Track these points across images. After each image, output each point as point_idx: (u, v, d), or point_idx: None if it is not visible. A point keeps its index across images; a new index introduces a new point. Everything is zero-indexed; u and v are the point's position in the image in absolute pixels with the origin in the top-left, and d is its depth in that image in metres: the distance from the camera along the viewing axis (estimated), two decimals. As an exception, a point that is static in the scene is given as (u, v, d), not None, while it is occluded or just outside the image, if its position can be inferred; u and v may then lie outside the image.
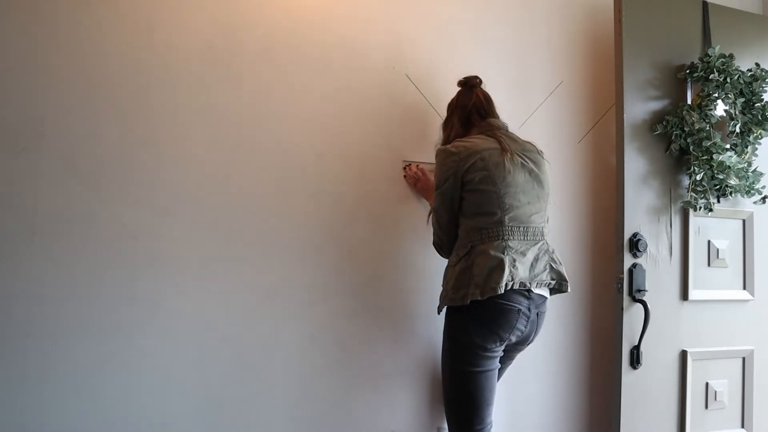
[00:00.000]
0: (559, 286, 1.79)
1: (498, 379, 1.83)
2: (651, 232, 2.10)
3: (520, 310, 1.70)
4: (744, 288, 2.29)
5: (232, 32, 1.91)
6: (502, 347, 1.75)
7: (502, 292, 1.64)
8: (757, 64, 2.16)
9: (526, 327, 1.73)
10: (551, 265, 1.77)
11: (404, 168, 2.08)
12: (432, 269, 2.05)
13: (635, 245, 2.06)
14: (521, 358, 2.27)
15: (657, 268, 2.11)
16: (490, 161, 1.72)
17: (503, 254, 1.67)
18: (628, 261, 2.05)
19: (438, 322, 1.89)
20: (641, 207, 2.09)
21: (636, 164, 2.09)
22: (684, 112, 2.08)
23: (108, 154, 1.77)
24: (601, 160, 2.40)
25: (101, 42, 1.78)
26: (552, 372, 2.30)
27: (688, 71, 2.15)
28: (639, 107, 2.11)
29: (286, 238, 1.95)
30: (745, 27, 2.33)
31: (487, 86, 2.21)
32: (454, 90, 1.96)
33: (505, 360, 1.86)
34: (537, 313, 1.76)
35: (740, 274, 2.28)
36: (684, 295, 2.15)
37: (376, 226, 2.06)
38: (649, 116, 2.12)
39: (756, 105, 2.12)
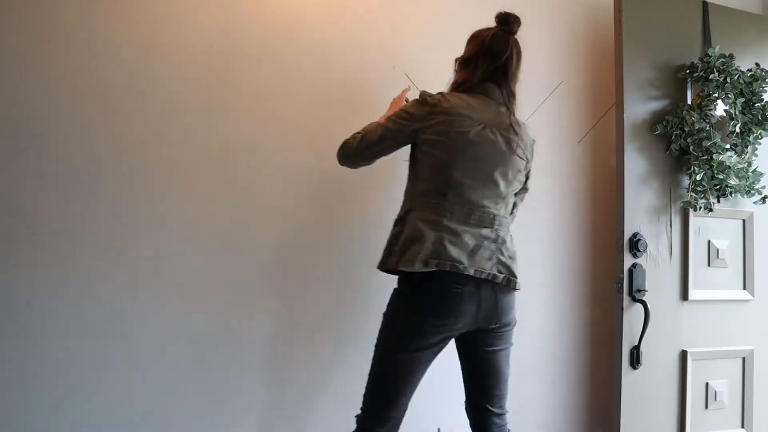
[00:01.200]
0: (506, 282, 1.60)
1: (503, 368, 1.69)
2: (651, 232, 2.10)
3: (464, 291, 1.53)
4: (744, 288, 2.28)
5: (232, 32, 1.91)
6: (443, 335, 1.56)
7: (417, 269, 1.49)
8: (757, 64, 2.16)
9: (479, 308, 1.56)
10: (498, 257, 1.59)
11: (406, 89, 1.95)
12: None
13: (635, 245, 2.06)
14: (520, 358, 2.27)
15: (657, 268, 2.10)
16: (455, 128, 1.56)
17: (430, 229, 1.53)
18: (628, 261, 2.05)
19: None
20: (641, 207, 2.09)
21: (636, 164, 2.09)
22: (684, 112, 2.08)
23: (108, 154, 1.77)
24: (601, 160, 2.40)
25: (102, 42, 1.78)
26: (552, 372, 2.30)
27: (688, 71, 2.15)
28: (639, 107, 2.11)
29: (287, 238, 1.95)
30: (745, 27, 2.33)
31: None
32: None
33: (491, 342, 1.65)
34: (493, 287, 1.58)
35: (740, 274, 2.28)
36: (684, 295, 2.15)
37: (377, 225, 2.05)
38: (649, 116, 2.12)
39: (756, 105, 2.12)
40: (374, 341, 1.65)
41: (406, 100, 1.86)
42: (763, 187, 2.15)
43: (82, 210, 1.75)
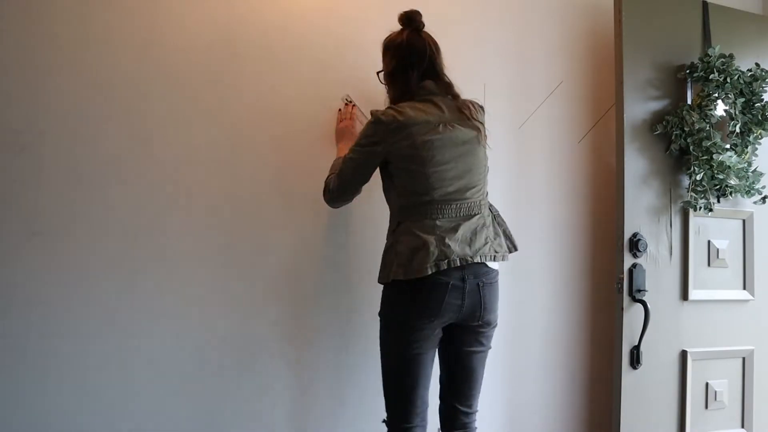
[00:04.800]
0: (502, 258, 1.69)
1: (477, 369, 1.72)
2: (651, 232, 2.10)
3: (449, 283, 1.58)
4: (744, 288, 2.29)
5: (232, 32, 1.91)
6: (438, 324, 1.62)
7: (430, 273, 1.55)
8: (757, 64, 2.16)
9: (462, 300, 1.60)
10: (492, 238, 1.67)
11: (346, 103, 1.99)
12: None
13: (635, 245, 2.06)
14: (520, 357, 2.27)
15: (657, 268, 2.10)
16: (418, 139, 1.61)
17: (428, 234, 1.59)
18: (628, 261, 2.05)
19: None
20: (641, 207, 2.09)
21: (636, 164, 2.09)
22: (684, 112, 2.08)
23: (108, 154, 1.77)
24: (601, 160, 2.40)
25: (101, 42, 1.78)
26: (552, 372, 2.30)
27: (688, 71, 2.15)
28: (639, 107, 2.11)
29: (287, 238, 1.95)
30: (745, 27, 2.33)
31: (488, 87, 2.22)
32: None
33: (471, 342, 1.69)
34: (477, 284, 1.62)
35: (740, 274, 2.28)
36: (684, 295, 2.15)
37: (376, 222, 2.05)
38: (649, 116, 2.12)
39: (756, 105, 2.12)
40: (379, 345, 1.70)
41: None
42: (763, 187, 2.15)
43: (82, 210, 1.75)
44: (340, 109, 1.99)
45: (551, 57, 2.35)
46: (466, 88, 2.13)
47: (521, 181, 2.28)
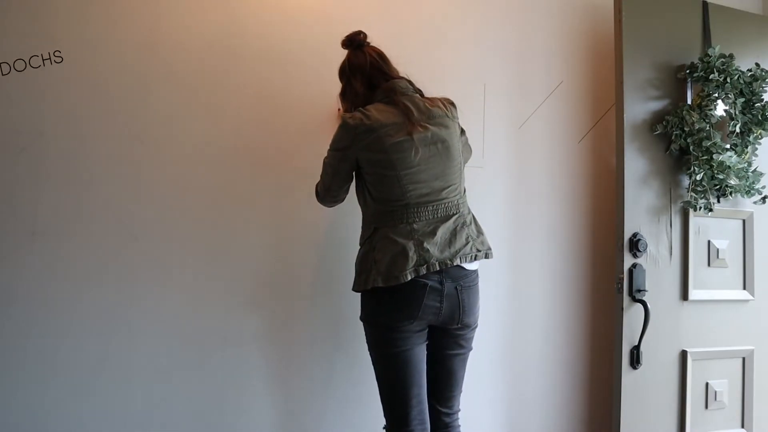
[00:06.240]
0: (485, 255, 1.68)
1: (457, 372, 1.72)
2: (651, 232, 2.10)
3: (426, 284, 1.58)
4: (744, 288, 2.29)
5: (232, 33, 1.91)
6: (418, 326, 1.61)
7: (408, 279, 1.55)
8: (757, 64, 2.16)
9: (440, 303, 1.60)
10: (474, 236, 1.67)
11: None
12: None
13: (635, 245, 2.06)
14: (519, 357, 2.27)
15: (657, 268, 2.10)
16: (387, 141, 1.60)
17: (407, 239, 1.59)
18: (628, 261, 2.05)
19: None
20: (641, 207, 2.09)
21: (636, 164, 2.09)
22: (684, 112, 2.08)
23: (108, 154, 1.78)
24: (601, 160, 2.40)
25: (101, 42, 1.78)
26: (552, 372, 2.30)
27: (688, 71, 2.15)
28: (639, 107, 2.11)
29: (287, 238, 1.95)
30: (745, 27, 2.33)
31: (488, 87, 2.22)
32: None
33: (450, 345, 1.70)
34: (455, 287, 1.61)
35: (740, 274, 2.28)
36: (684, 295, 2.15)
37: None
38: (649, 116, 2.12)
39: (756, 105, 2.12)
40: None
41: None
42: (763, 187, 2.15)
43: (82, 210, 1.75)
44: (339, 109, 1.99)
45: (551, 57, 2.35)
46: (466, 88, 2.15)
47: (521, 181, 2.28)
